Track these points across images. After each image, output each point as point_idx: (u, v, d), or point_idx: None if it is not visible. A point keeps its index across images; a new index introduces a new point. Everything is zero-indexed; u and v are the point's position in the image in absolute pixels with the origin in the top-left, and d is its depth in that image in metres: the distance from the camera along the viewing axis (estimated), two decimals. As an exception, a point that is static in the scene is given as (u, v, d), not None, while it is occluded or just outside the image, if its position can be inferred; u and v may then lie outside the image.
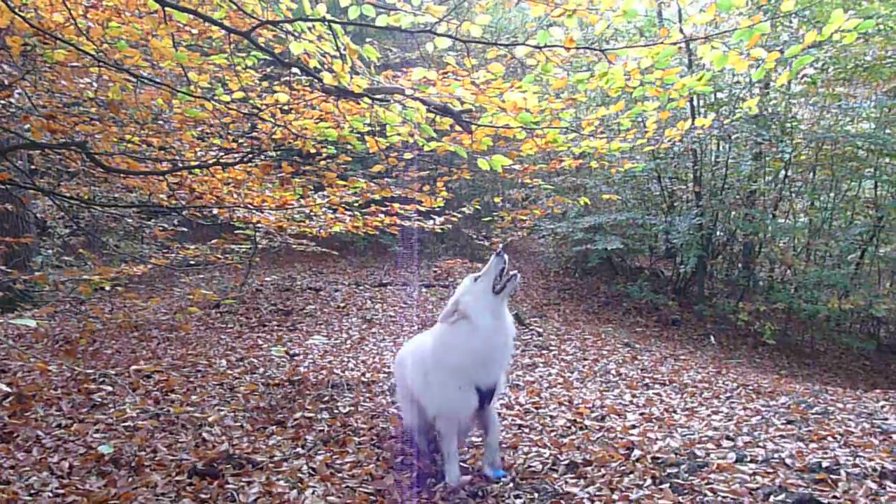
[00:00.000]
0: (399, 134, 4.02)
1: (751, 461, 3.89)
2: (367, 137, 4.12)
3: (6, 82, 4.48)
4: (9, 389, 2.33)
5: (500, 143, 7.15)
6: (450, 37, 3.00)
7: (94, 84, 4.15)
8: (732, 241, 11.94)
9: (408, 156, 4.91)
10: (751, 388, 6.08)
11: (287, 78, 4.82)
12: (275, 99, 3.91)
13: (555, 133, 3.90)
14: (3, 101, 5.00)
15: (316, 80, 3.47)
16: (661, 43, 2.89)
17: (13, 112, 5.06)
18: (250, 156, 4.90)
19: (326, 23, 2.83)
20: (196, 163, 5.02)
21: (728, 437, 4.38)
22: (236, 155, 5.06)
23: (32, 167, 7.63)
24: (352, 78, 3.17)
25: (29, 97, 4.92)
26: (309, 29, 3.07)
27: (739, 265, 12.43)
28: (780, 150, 10.14)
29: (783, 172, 10.95)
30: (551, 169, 5.38)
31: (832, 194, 11.28)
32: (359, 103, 3.76)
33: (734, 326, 10.63)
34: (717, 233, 11.70)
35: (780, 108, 10.78)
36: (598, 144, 4.32)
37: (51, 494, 3.43)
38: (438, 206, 5.96)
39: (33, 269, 8.00)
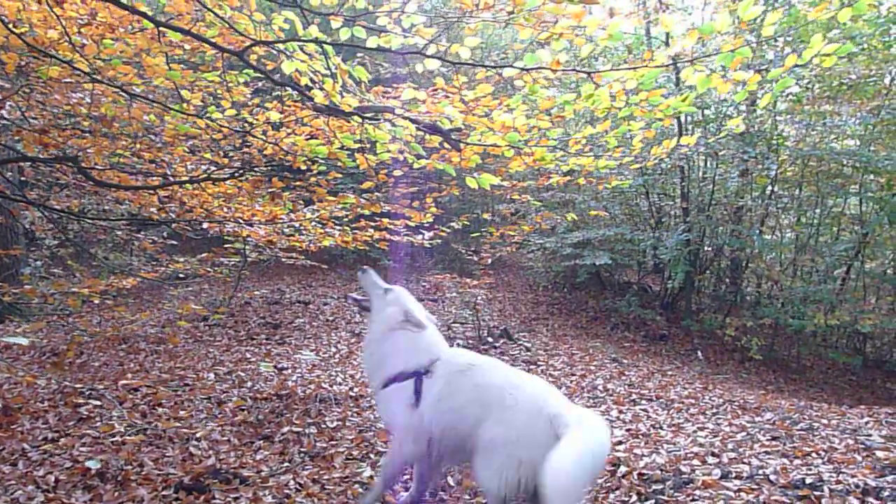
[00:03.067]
0: (389, 151, 4.06)
1: (736, 477, 3.93)
2: (357, 155, 4.15)
3: (1, 94, 4.50)
4: None
5: (489, 161, 7.22)
6: (439, 58, 3.05)
7: (88, 99, 4.17)
8: (720, 256, 12.04)
9: (397, 173, 4.96)
10: (737, 403, 6.13)
11: (279, 93, 4.86)
12: (266, 117, 3.95)
13: (542, 151, 3.96)
14: (-8, 115, 5.02)
15: (307, 98, 3.51)
16: (646, 66, 2.95)
17: (5, 125, 5.07)
18: (241, 171, 4.93)
19: (318, 44, 2.87)
20: (187, 178, 5.04)
21: (713, 454, 4.42)
22: (227, 170, 5.09)
23: (23, 179, 7.61)
24: (343, 97, 3.20)
25: (22, 111, 4.94)
26: (300, 48, 3.11)
27: (727, 280, 12.52)
28: (767, 167, 10.26)
29: (770, 189, 11.09)
30: (540, 185, 5.43)
31: (818, 210, 11.41)
32: (349, 121, 3.80)
33: (721, 341, 10.70)
34: (705, 248, 11.80)
35: (767, 126, 10.92)
36: (585, 162, 4.38)
37: (36, 509, 3.42)
38: (428, 222, 6.00)
39: (22, 281, 7.96)
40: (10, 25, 3.57)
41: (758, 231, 11.17)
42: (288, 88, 4.06)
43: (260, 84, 5.67)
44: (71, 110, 4.50)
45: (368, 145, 4.07)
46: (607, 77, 3.16)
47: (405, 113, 3.49)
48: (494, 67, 3.20)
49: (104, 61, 3.42)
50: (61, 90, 4.14)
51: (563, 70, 3.14)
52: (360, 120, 3.58)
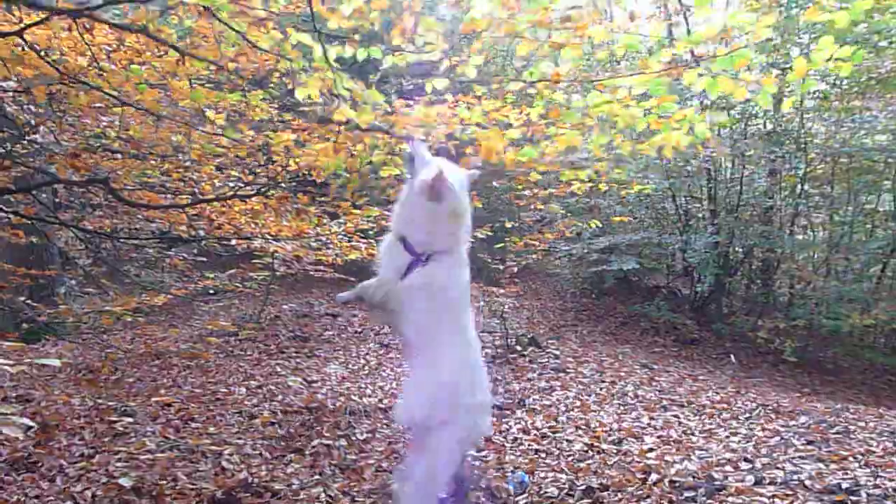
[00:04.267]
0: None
1: (770, 483, 3.88)
2: (383, 170, 4.20)
3: (33, 123, 4.63)
4: (32, 423, 2.41)
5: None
6: (448, 78, 3.10)
7: (117, 122, 4.29)
8: (750, 258, 11.86)
9: None
10: (770, 407, 6.04)
11: (304, 109, 4.93)
12: (287, 137, 4.02)
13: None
14: (29, 139, 5.17)
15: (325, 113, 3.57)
16: (642, 73, 2.94)
17: (38, 150, 5.22)
18: (266, 188, 5.01)
19: (333, 71, 2.92)
20: (214, 195, 5.13)
21: (746, 459, 4.36)
22: (253, 187, 5.17)
23: (57, 201, 7.81)
24: (359, 115, 3.24)
25: (54, 135, 5.08)
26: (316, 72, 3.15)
27: (758, 282, 12.33)
28: (795, 166, 10.11)
29: (799, 188, 10.91)
30: (562, 193, 5.40)
31: (850, 208, 11.18)
32: (369, 137, 3.86)
33: (754, 344, 10.53)
34: (734, 250, 11.63)
35: (794, 125, 10.76)
36: (602, 167, 4.37)
37: (74, 525, 3.49)
38: None
39: (57, 301, 8.14)
40: (42, 53, 3.68)
41: (788, 231, 11.01)
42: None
43: (286, 100, 5.75)
44: (101, 134, 4.62)
45: (390, 157, 4.12)
46: (615, 84, 3.15)
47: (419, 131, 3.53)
48: (497, 86, 3.23)
49: (133, 85, 3.51)
50: (92, 114, 4.25)
51: (568, 81, 3.15)
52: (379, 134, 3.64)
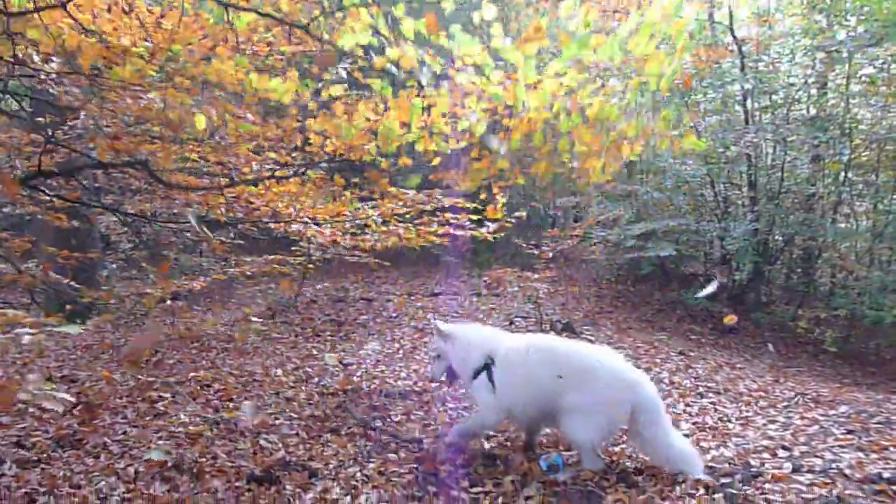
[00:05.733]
0: (452, 129, 4.10)
1: (808, 471, 3.82)
2: (416, 134, 4.18)
3: (75, 104, 4.72)
4: (72, 399, 2.50)
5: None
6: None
7: (158, 101, 4.35)
8: (790, 246, 11.62)
9: (454, 144, 4.92)
10: (809, 397, 5.93)
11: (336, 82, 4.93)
12: (328, 94, 4.02)
13: (611, 109, 3.91)
14: (70, 124, 5.27)
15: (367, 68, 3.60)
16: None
17: (80, 133, 5.32)
18: (304, 168, 5.04)
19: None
20: (252, 177, 5.18)
21: (784, 447, 4.30)
22: (290, 169, 5.21)
23: (97, 185, 7.97)
24: (401, 57, 3.29)
25: (94, 119, 5.18)
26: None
27: (798, 271, 12.08)
28: (839, 153, 9.85)
29: (843, 175, 10.62)
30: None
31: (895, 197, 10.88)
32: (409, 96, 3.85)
33: (793, 334, 10.35)
34: (775, 238, 11.40)
35: (839, 110, 10.48)
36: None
37: (118, 499, 3.59)
38: (497, 218, 5.91)
39: (100, 283, 8.33)
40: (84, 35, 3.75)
41: (831, 219, 10.74)
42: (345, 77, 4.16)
43: (320, 85, 5.77)
44: (141, 115, 4.68)
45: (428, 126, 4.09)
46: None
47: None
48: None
49: (173, 66, 3.56)
50: (132, 95, 4.32)
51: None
52: (419, 91, 3.64)
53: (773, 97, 10.93)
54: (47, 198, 5.34)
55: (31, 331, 2.68)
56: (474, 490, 3.77)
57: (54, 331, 2.78)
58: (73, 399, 2.65)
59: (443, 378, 4.59)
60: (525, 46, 3.39)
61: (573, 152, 4.47)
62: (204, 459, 4.14)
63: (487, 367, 4.18)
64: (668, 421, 3.98)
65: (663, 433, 3.89)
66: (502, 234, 7.29)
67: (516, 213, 7.45)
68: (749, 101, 11.02)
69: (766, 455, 4.15)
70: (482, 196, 5.42)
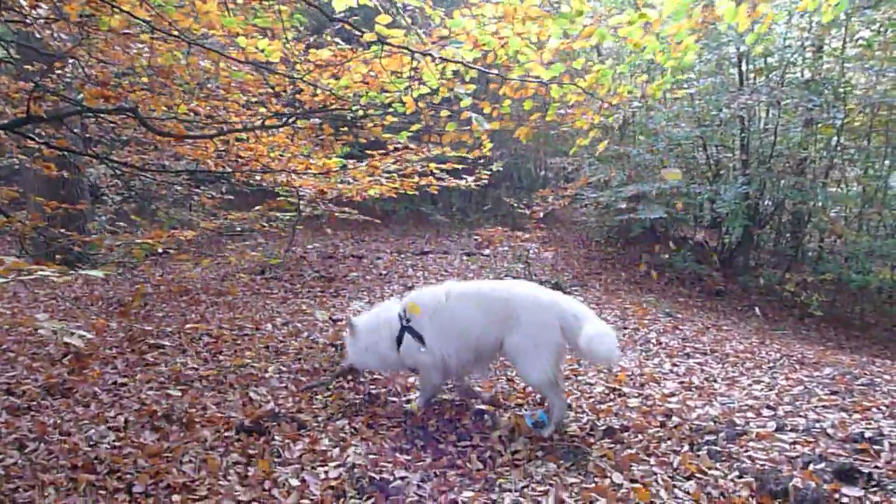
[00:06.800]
0: (438, 85, 4.06)
1: (791, 430, 3.89)
2: (404, 98, 4.17)
3: (64, 49, 4.62)
4: (89, 335, 2.51)
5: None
6: None
7: (147, 51, 4.26)
8: (780, 210, 11.66)
9: (444, 113, 4.90)
10: (795, 358, 6.01)
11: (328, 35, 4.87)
12: (317, 56, 3.98)
13: (605, 73, 3.90)
14: (58, 72, 5.16)
15: (358, 34, 3.54)
16: None
17: (68, 81, 5.22)
18: (293, 117, 4.98)
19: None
20: (241, 127, 5.12)
21: (769, 407, 4.37)
22: (280, 118, 5.15)
23: (87, 136, 7.85)
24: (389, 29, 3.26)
25: (83, 67, 5.07)
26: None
27: (787, 235, 12.16)
28: (833, 117, 9.82)
29: (835, 139, 10.60)
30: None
31: (887, 162, 10.87)
32: (401, 60, 3.81)
33: (780, 297, 10.45)
34: (765, 202, 11.44)
35: (834, 73, 10.41)
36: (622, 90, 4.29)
37: (108, 446, 3.61)
38: (485, 156, 5.90)
39: (91, 233, 8.27)
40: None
41: (821, 183, 10.76)
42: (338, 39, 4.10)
43: (312, 38, 5.67)
44: (130, 63, 4.59)
45: (417, 85, 4.07)
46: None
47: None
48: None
49: (161, 11, 3.47)
50: (121, 43, 4.23)
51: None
52: (409, 55, 3.59)
53: (769, 60, 10.84)
54: (35, 145, 5.25)
55: (53, 272, 2.66)
56: (462, 444, 3.81)
57: (78, 276, 2.78)
58: (91, 336, 2.65)
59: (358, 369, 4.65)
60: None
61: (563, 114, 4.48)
62: (194, 410, 4.17)
63: (405, 327, 4.18)
64: (593, 320, 3.94)
65: (591, 331, 3.83)
66: (486, 187, 7.31)
67: (491, 166, 7.46)
68: (744, 64, 10.94)
69: (750, 414, 4.22)
70: (469, 143, 5.38)
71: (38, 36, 4.86)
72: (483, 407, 4.34)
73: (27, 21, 4.46)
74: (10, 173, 9.54)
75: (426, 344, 4.11)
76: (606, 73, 3.90)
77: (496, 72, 3.76)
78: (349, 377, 4.91)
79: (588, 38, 3.50)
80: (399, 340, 4.20)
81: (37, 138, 5.26)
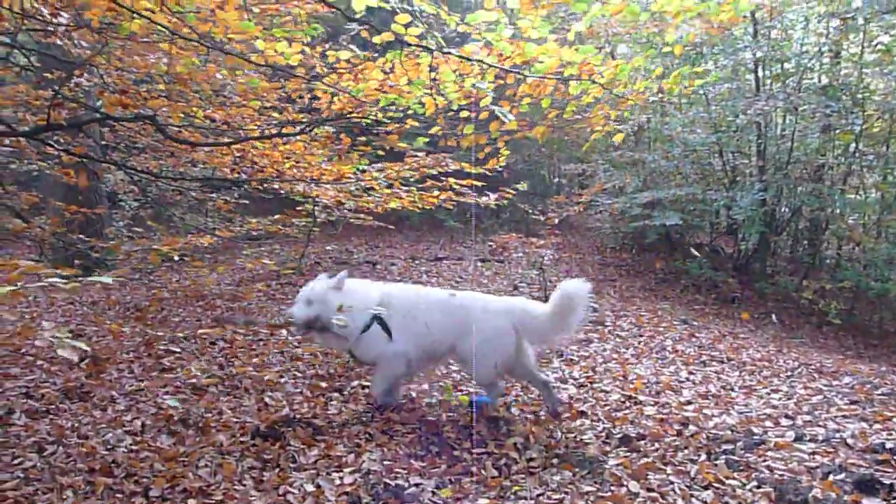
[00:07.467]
0: (456, 90, 4.08)
1: (810, 440, 3.85)
2: (425, 99, 4.19)
3: (83, 57, 4.67)
4: (86, 347, 2.52)
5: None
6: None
7: (165, 59, 4.30)
8: (797, 217, 11.55)
9: (464, 114, 4.90)
10: (813, 367, 5.95)
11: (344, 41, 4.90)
12: (335, 57, 4.01)
13: (623, 69, 3.90)
14: (77, 80, 5.22)
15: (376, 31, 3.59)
16: None
17: (87, 89, 5.27)
18: (310, 125, 5.00)
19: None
20: (258, 135, 5.15)
21: (787, 416, 4.33)
22: (296, 126, 5.17)
23: (104, 143, 7.92)
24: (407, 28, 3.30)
25: (101, 75, 5.12)
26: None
27: (804, 242, 12.04)
28: (851, 123, 9.73)
29: (854, 145, 10.51)
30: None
31: (906, 168, 10.76)
32: (418, 62, 3.83)
33: (797, 305, 10.35)
34: (782, 209, 11.34)
35: (852, 79, 10.33)
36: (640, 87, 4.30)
37: (125, 450, 3.63)
38: (501, 166, 5.89)
39: (110, 238, 8.34)
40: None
41: (839, 190, 10.65)
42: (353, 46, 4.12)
43: (327, 46, 5.70)
44: (148, 71, 4.64)
45: (435, 89, 4.09)
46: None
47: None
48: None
49: (180, 18, 3.50)
50: (139, 51, 4.28)
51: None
52: (429, 54, 3.61)
53: (785, 65, 10.77)
54: (54, 152, 5.31)
55: (62, 281, 2.68)
56: (477, 451, 3.80)
57: (90, 283, 2.78)
58: (87, 348, 2.66)
59: (299, 324, 4.44)
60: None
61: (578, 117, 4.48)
62: (209, 414, 4.18)
63: (379, 318, 4.29)
64: (543, 317, 4.29)
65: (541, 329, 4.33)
66: (506, 202, 7.28)
67: (516, 185, 7.43)
68: (760, 69, 10.87)
69: (768, 423, 4.18)
70: (486, 150, 5.37)
71: (58, 44, 4.91)
72: (497, 414, 4.33)
73: (49, 29, 4.51)
74: (28, 179, 9.63)
75: (393, 338, 4.28)
76: (624, 67, 3.90)
77: (516, 70, 3.77)
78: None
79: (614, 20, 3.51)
80: (366, 327, 4.31)
81: (56, 145, 5.31)
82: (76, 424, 3.95)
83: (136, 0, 3.37)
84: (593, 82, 3.91)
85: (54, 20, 4.21)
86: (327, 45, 4.83)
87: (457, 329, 4.28)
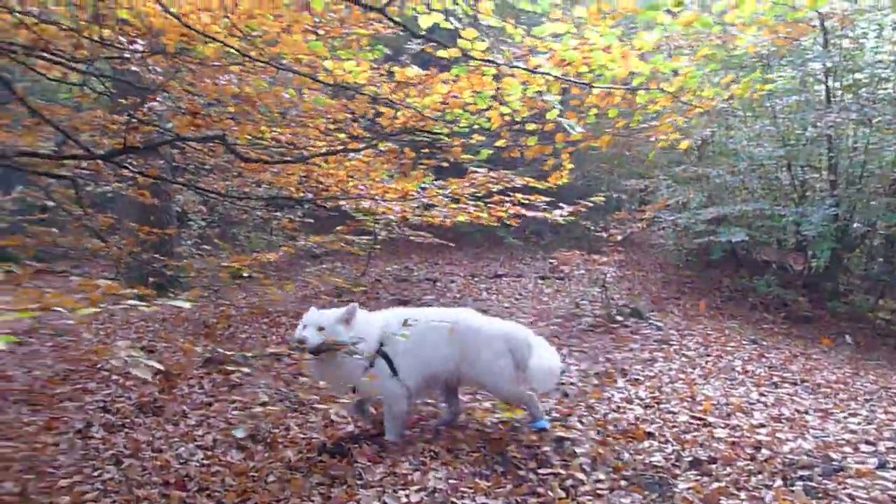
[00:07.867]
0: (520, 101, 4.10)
1: (894, 468, 3.67)
2: (490, 113, 4.23)
3: (157, 82, 4.87)
4: (160, 366, 2.60)
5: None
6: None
7: (236, 81, 4.45)
8: (872, 233, 11.10)
9: (530, 126, 4.89)
10: (893, 391, 5.69)
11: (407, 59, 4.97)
12: (403, 74, 4.08)
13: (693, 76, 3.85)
14: (149, 105, 5.44)
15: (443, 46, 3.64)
16: None
17: (160, 113, 5.49)
18: (375, 140, 5.08)
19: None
20: (324, 151, 5.26)
21: (868, 442, 4.14)
22: (362, 141, 5.26)
23: (174, 164, 8.22)
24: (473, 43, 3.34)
25: (173, 99, 5.33)
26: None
27: (880, 259, 11.55)
28: (929, 135, 9.32)
29: (932, 158, 10.06)
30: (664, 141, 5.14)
31: None
32: (482, 74, 3.86)
33: (872, 325, 9.91)
34: (855, 224, 10.90)
35: (930, 89, 9.92)
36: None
37: (197, 464, 3.72)
38: (564, 182, 5.86)
39: (181, 257, 8.62)
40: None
41: (918, 205, 10.20)
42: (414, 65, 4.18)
43: (389, 64, 5.79)
44: (218, 94, 4.79)
45: (500, 103, 4.12)
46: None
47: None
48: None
49: (249, 42, 3.62)
50: (210, 74, 4.43)
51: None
52: (495, 69, 3.63)
53: (858, 75, 10.40)
54: (129, 174, 5.54)
55: (143, 304, 2.79)
56: (542, 471, 3.75)
57: (166, 304, 2.88)
58: (160, 366, 2.75)
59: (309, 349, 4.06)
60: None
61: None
62: (277, 431, 4.25)
63: (384, 354, 4.09)
64: (540, 348, 4.31)
65: (537, 358, 4.23)
66: (572, 219, 7.20)
67: (591, 198, 7.32)
68: (831, 80, 10.53)
69: (847, 449, 4.01)
70: (550, 161, 5.31)
71: (133, 70, 5.13)
72: (563, 434, 4.27)
73: (125, 56, 4.71)
74: (104, 201, 10.05)
75: (398, 373, 4.09)
76: (695, 74, 3.84)
77: (584, 83, 3.76)
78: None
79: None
80: (371, 363, 4.08)
81: (131, 167, 5.54)
82: (150, 438, 4.08)
83: (207, 25, 3.50)
84: (662, 91, 3.86)
85: (130, 47, 4.40)
86: (388, 64, 4.92)
87: (457, 354, 4.22)
